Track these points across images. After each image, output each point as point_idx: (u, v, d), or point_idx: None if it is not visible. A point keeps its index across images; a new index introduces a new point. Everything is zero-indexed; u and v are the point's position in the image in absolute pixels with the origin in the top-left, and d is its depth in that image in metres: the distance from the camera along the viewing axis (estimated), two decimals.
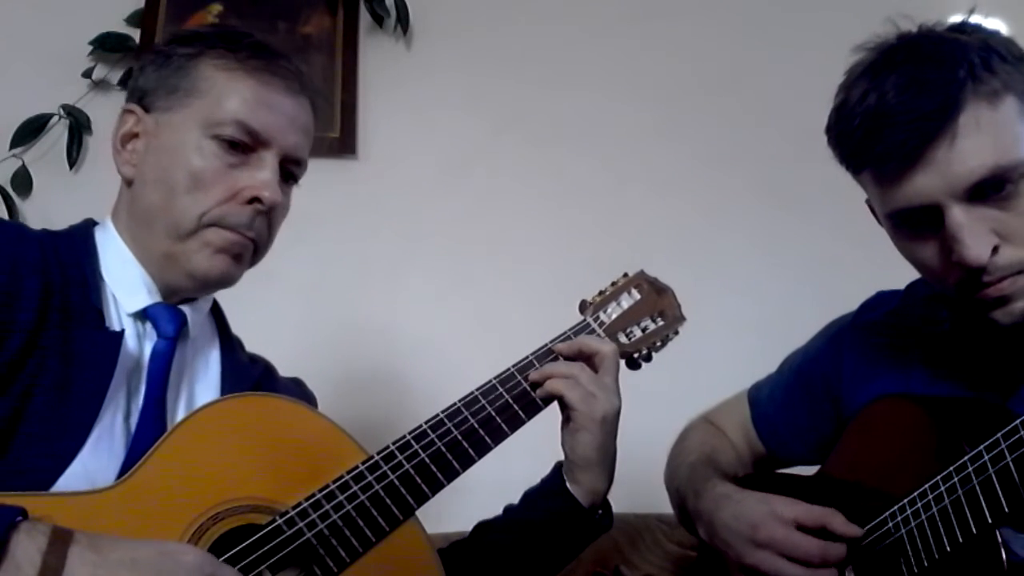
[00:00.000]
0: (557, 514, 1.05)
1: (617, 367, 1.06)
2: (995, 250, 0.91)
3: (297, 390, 1.18)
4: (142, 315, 1.00)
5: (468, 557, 0.95)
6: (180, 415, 1.01)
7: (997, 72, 0.91)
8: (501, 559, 1.06)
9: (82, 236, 1.03)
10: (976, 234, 0.90)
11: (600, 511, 1.07)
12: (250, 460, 0.92)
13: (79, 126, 1.76)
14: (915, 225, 0.96)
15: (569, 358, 1.06)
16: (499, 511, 1.12)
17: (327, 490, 0.93)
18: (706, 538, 1.13)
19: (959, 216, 0.91)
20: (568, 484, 1.05)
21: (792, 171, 1.96)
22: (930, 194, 0.92)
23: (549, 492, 1.06)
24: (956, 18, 0.99)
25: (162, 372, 0.99)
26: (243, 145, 1.00)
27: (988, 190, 0.90)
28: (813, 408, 1.23)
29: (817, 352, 1.25)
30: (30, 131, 1.75)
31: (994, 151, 0.89)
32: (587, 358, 1.06)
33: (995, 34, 0.96)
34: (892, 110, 0.91)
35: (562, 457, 1.07)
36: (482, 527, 1.11)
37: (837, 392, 1.19)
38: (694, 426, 1.35)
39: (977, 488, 0.88)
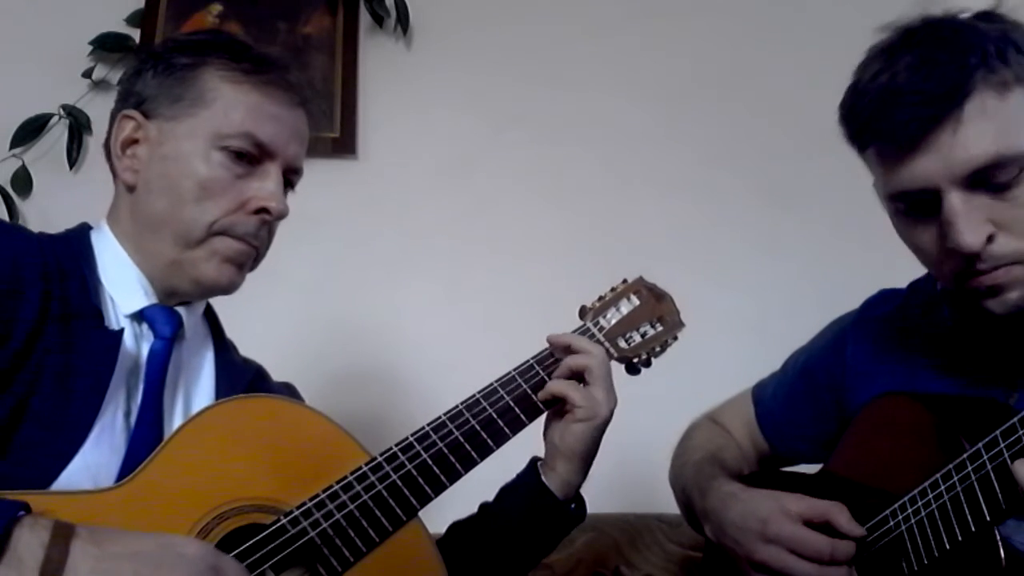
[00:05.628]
0: (532, 508, 1.06)
1: (608, 372, 1.06)
2: (991, 239, 0.91)
3: (289, 394, 1.18)
4: (139, 316, 1.02)
5: (444, 557, 0.96)
6: (177, 414, 1.02)
7: (1011, 64, 0.91)
8: (477, 556, 1.07)
9: (78, 239, 1.04)
10: (972, 221, 0.91)
11: (573, 504, 1.08)
12: (255, 461, 0.92)
13: (79, 126, 1.77)
14: (915, 209, 0.96)
15: (557, 348, 1.07)
16: None
17: (331, 490, 0.93)
18: (713, 537, 1.13)
19: (956, 202, 0.91)
20: (544, 477, 1.06)
21: (793, 171, 1.97)
22: (930, 178, 0.92)
23: (524, 487, 1.07)
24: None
25: (159, 372, 1.00)
26: (249, 156, 1.02)
27: (987, 179, 0.91)
28: (816, 405, 1.23)
29: (821, 349, 1.25)
30: (30, 131, 1.75)
31: (996, 140, 0.90)
32: (578, 369, 1.06)
33: (1019, 26, 0.95)
34: (901, 90, 0.92)
35: None
36: (457, 526, 1.11)
37: (840, 389, 1.19)
38: (698, 425, 1.35)
39: (976, 486, 0.89)
